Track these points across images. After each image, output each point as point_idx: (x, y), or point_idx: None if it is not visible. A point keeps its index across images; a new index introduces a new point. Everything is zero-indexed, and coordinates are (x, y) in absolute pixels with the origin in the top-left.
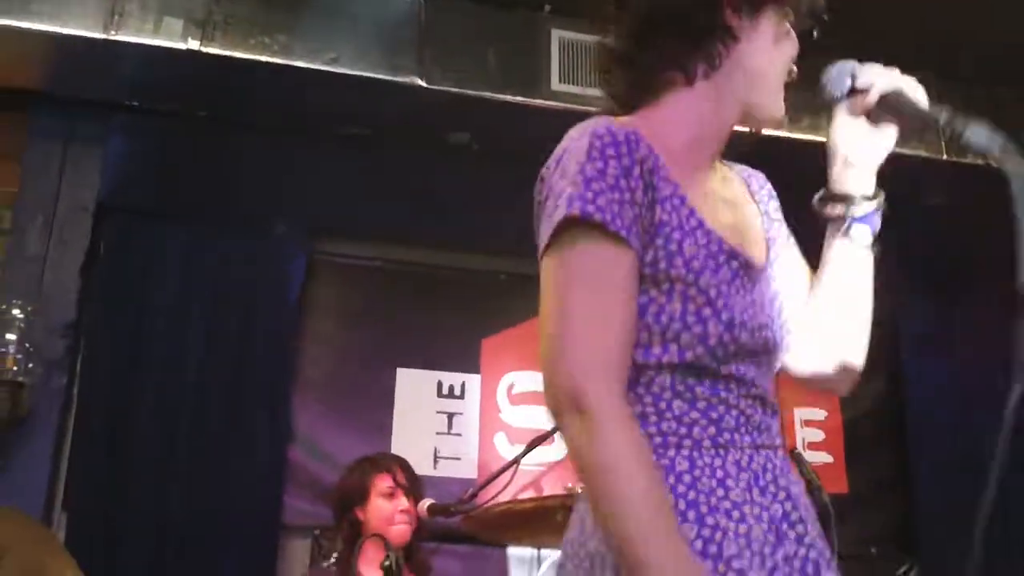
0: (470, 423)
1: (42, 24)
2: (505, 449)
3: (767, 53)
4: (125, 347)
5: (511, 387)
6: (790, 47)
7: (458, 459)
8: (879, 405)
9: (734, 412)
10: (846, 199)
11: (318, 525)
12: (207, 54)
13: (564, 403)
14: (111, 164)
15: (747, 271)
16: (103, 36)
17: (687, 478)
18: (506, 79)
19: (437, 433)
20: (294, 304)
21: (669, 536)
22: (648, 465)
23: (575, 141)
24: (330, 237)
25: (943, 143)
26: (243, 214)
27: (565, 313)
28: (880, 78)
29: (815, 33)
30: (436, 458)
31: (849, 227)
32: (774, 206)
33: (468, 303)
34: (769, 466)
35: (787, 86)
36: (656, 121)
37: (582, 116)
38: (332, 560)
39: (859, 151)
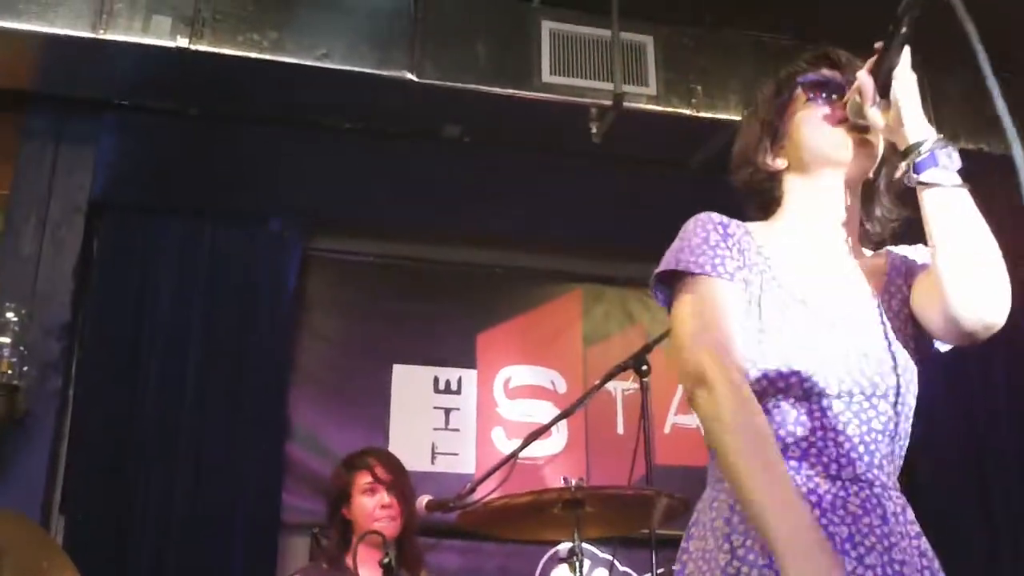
0: (467, 418)
1: (31, 24)
2: (503, 444)
3: (803, 128)
4: (121, 347)
5: (508, 381)
6: (815, 114)
7: (456, 454)
8: None
9: (803, 444)
10: (908, 150)
11: (316, 523)
12: (196, 52)
13: (692, 383)
14: (103, 163)
15: (823, 316)
16: (92, 35)
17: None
18: (497, 71)
19: (434, 429)
20: (290, 300)
21: (774, 479)
22: (754, 419)
23: (686, 225)
24: (325, 232)
25: None
26: (237, 210)
27: (684, 324)
28: (860, 77)
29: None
30: (434, 454)
31: (929, 166)
32: (902, 257)
33: (463, 297)
34: (841, 494)
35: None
36: (775, 219)
37: (574, 107)
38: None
39: (909, 107)
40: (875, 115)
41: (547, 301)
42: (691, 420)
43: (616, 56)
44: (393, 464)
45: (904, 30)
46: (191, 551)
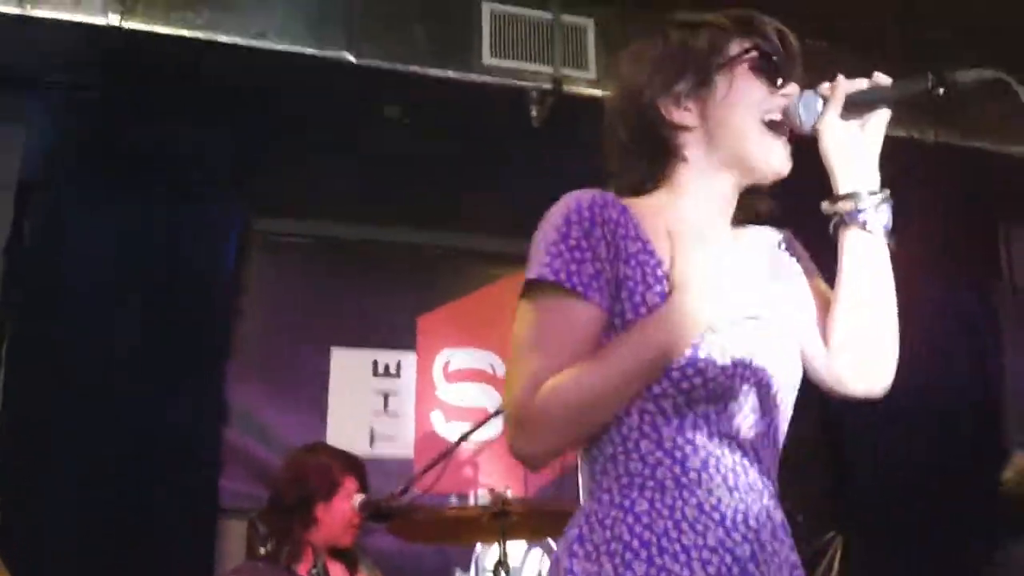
0: (406, 402)
1: None
2: (442, 427)
3: (736, 110)
4: (52, 329)
5: (447, 364)
6: (756, 92)
7: (394, 438)
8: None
9: (702, 453)
10: (853, 197)
11: (254, 508)
12: (128, 29)
13: (512, 426)
14: (32, 142)
15: (729, 321)
16: (19, 11)
17: (644, 519)
18: (437, 53)
19: (373, 412)
20: (227, 281)
21: (610, 350)
22: (561, 378)
23: (552, 211)
24: (263, 213)
25: None
26: (173, 190)
27: (516, 358)
28: (841, 81)
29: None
30: (372, 438)
31: (863, 222)
32: (785, 255)
33: (403, 279)
34: (740, 508)
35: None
36: (660, 196)
37: (513, 90)
38: (267, 548)
39: (853, 149)
40: (831, 126)
41: (487, 283)
42: None
43: (556, 39)
44: (366, 475)
45: (930, 87)
46: (126, 536)
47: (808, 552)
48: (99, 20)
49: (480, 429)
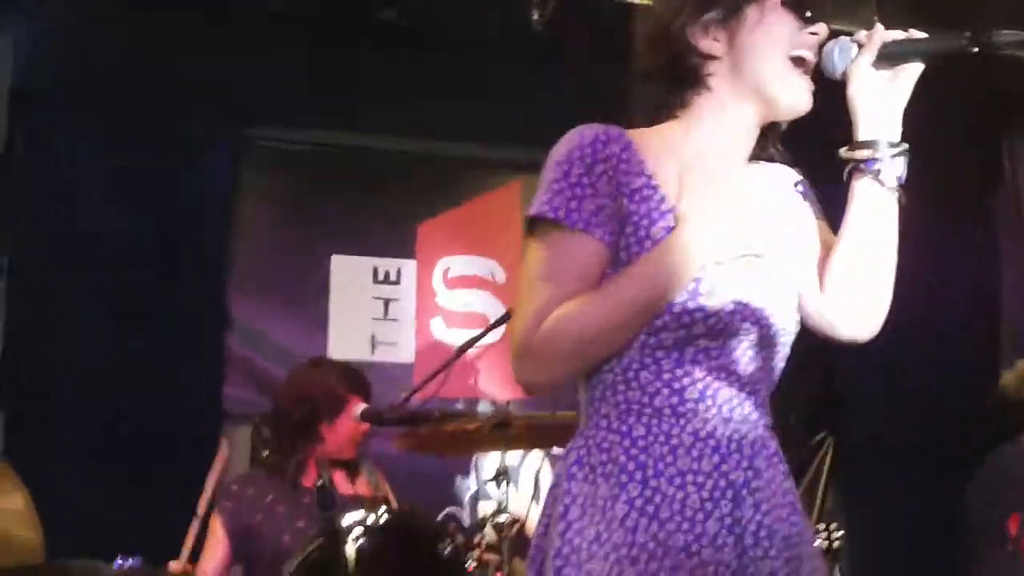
0: (406, 308)
1: None
2: (442, 333)
3: (763, 42)
4: (49, 243)
5: (447, 271)
6: (785, 27)
7: (395, 344)
8: None
9: (700, 385)
10: (871, 144)
11: (258, 414)
12: None
13: (517, 356)
14: (23, 50)
15: (733, 257)
16: None
17: (640, 443)
18: None
19: (373, 319)
20: (223, 191)
21: (615, 283)
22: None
23: (555, 147)
24: (258, 121)
25: None
26: (166, 99)
27: (521, 292)
28: (879, 30)
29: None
30: (374, 343)
31: (878, 171)
32: (799, 197)
33: (402, 187)
34: (735, 436)
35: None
36: (675, 128)
37: None
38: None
39: (879, 99)
40: (861, 73)
41: (486, 191)
42: None
43: None
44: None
45: (965, 45)
46: (133, 444)
47: (799, 455)
48: None
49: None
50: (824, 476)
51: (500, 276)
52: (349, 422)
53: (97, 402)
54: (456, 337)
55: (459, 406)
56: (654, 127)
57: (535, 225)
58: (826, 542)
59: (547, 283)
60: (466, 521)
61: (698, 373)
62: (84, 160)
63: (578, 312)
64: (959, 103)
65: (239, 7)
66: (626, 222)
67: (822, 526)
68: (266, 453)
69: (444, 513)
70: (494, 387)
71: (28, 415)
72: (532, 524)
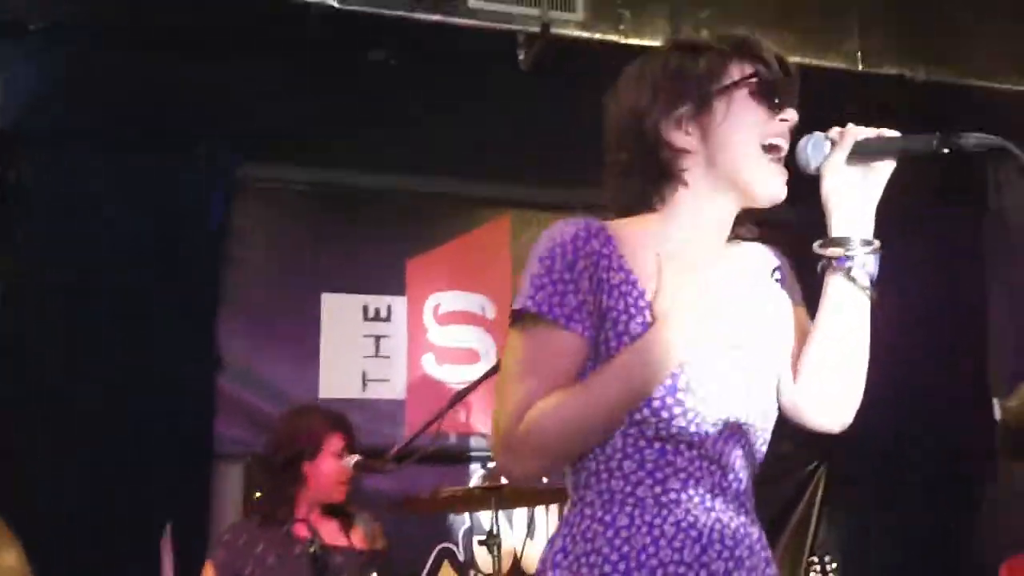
0: (397, 345)
1: None
2: (433, 369)
3: (735, 134)
4: (38, 281)
5: (437, 307)
6: (755, 116)
7: (387, 380)
8: None
9: (682, 475)
10: (844, 242)
11: (249, 453)
12: None
13: (500, 450)
14: (14, 90)
15: (709, 351)
16: None
17: (624, 533)
18: None
19: (364, 356)
20: (216, 228)
21: (592, 380)
22: (546, 403)
23: (540, 242)
24: (251, 159)
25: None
26: (161, 138)
27: (503, 385)
28: (852, 128)
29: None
30: (365, 381)
31: (849, 269)
32: (777, 281)
33: (391, 224)
34: (717, 526)
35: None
36: (653, 220)
37: (500, 34)
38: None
39: (852, 196)
40: (835, 170)
41: (476, 227)
42: None
43: None
44: (355, 433)
45: (936, 146)
46: (123, 483)
47: (793, 484)
48: None
49: (473, 372)
50: (817, 507)
51: (490, 311)
52: (331, 460)
53: (86, 441)
54: (447, 373)
55: (452, 440)
56: (633, 218)
57: (518, 319)
58: (820, 575)
59: (528, 376)
60: (460, 556)
61: (680, 463)
62: (75, 199)
63: (557, 407)
64: (949, 127)
65: (231, 47)
66: (605, 317)
67: (815, 558)
68: (257, 495)
69: (438, 549)
70: (484, 423)
71: (13, 449)
72: (527, 560)
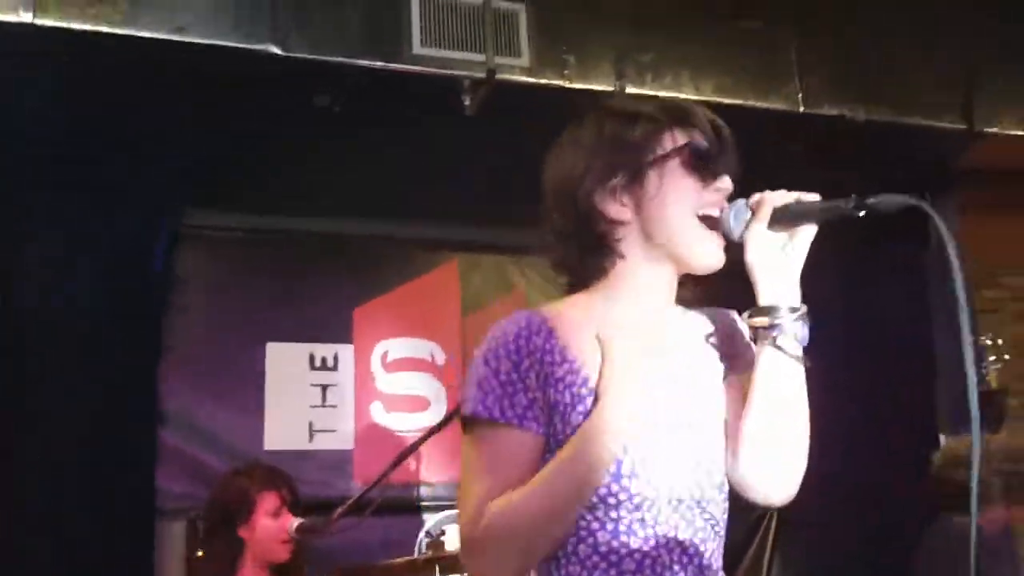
0: (345, 394)
1: None
2: (382, 417)
3: (669, 206)
4: None
5: (385, 355)
6: (689, 187)
7: (334, 431)
8: None
9: (636, 556)
10: (771, 311)
11: (193, 508)
12: (42, 26)
13: (464, 553)
14: None
15: (652, 430)
16: None
17: None
18: (366, 43)
19: (311, 406)
20: (159, 277)
21: (544, 476)
22: (499, 510)
23: (483, 343)
24: (194, 206)
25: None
26: (101, 186)
27: (462, 489)
28: (769, 195)
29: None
30: (311, 432)
31: (775, 338)
32: (713, 347)
33: (337, 271)
34: None
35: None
36: (594, 298)
37: (445, 80)
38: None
39: (776, 263)
40: (756, 239)
41: (423, 272)
42: None
43: (488, 26)
44: (293, 484)
45: (851, 208)
46: (62, 540)
47: (743, 528)
48: (9, 17)
49: (422, 420)
50: (768, 550)
51: (440, 357)
52: (265, 520)
53: (27, 494)
54: (396, 421)
55: (400, 491)
56: (573, 297)
57: (470, 424)
58: None
59: (485, 477)
60: None
61: (634, 543)
62: (13, 249)
63: (510, 507)
64: (889, 166)
65: (168, 95)
66: (554, 410)
67: None
68: (200, 553)
69: None
70: (433, 472)
71: None
72: None
